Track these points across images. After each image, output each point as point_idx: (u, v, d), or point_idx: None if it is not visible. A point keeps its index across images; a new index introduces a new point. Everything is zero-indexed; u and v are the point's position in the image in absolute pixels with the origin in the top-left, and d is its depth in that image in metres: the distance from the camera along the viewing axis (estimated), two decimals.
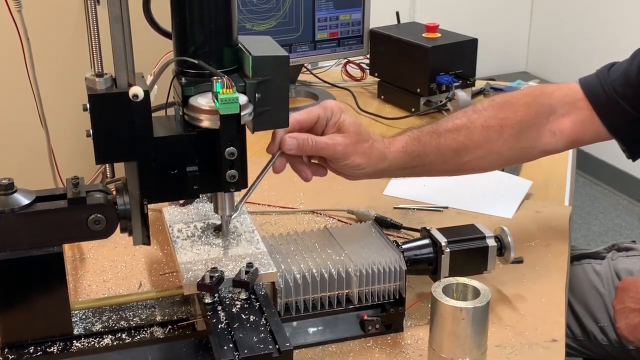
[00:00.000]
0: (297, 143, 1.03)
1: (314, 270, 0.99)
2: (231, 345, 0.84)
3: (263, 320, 0.88)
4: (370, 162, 1.09)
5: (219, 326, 0.87)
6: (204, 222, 1.07)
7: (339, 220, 1.35)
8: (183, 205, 1.12)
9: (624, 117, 1.22)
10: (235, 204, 1.01)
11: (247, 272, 0.92)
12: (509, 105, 1.21)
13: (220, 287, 0.92)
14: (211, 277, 0.91)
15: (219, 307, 0.91)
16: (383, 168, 1.12)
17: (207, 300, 0.92)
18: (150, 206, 0.94)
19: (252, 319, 0.88)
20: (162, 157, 0.91)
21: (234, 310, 0.90)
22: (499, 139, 1.19)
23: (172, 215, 1.09)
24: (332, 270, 0.99)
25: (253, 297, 0.93)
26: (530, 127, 1.21)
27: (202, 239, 1.02)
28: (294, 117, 1.04)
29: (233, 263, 0.96)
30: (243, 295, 0.92)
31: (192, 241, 1.02)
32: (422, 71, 1.84)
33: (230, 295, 0.93)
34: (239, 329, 0.86)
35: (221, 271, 0.92)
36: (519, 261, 1.09)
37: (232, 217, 1.03)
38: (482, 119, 1.19)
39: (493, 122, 1.19)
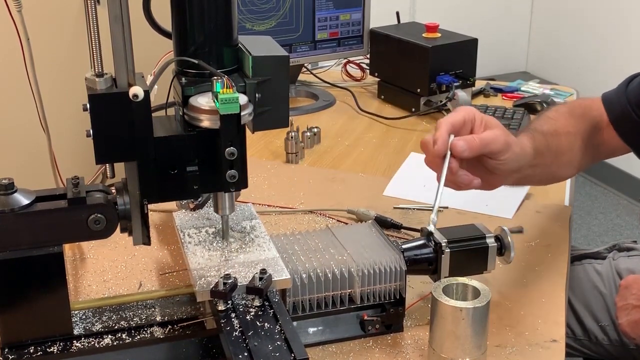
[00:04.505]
0: (467, 144, 1.01)
1: (319, 270, 0.99)
2: (246, 354, 0.82)
3: (278, 327, 0.87)
4: (522, 152, 1.08)
5: (234, 334, 0.86)
6: (215, 228, 1.05)
7: (338, 220, 1.35)
8: (194, 209, 1.12)
9: (638, 129, 1.25)
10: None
11: (260, 279, 0.91)
12: (572, 117, 1.24)
13: (233, 294, 0.91)
14: (224, 283, 0.90)
15: (233, 315, 0.89)
16: (523, 164, 1.10)
17: (221, 307, 0.90)
18: (150, 206, 0.94)
19: (266, 327, 0.87)
20: (162, 157, 0.90)
21: (247, 317, 0.89)
22: (576, 147, 1.22)
23: (183, 220, 1.09)
24: (336, 270, 0.99)
25: (267, 303, 0.91)
26: (586, 139, 1.24)
27: (214, 245, 1.01)
28: (447, 120, 1.03)
29: (246, 269, 0.95)
30: (257, 302, 0.91)
31: (203, 247, 1.01)
32: (422, 71, 1.84)
33: (243, 302, 0.92)
34: (254, 337, 0.85)
35: (234, 277, 0.91)
36: (519, 231, 1.08)
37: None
38: (563, 126, 1.21)
39: (571, 130, 1.21)
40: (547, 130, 1.18)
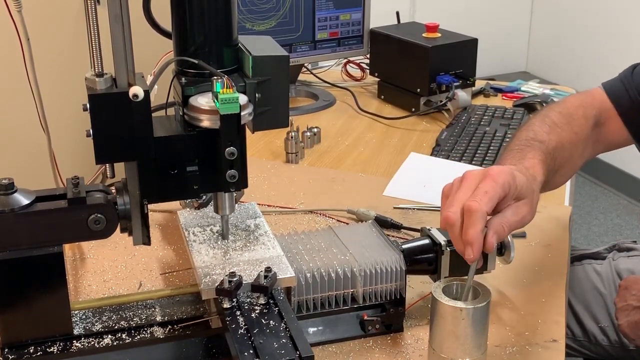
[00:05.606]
0: (498, 237, 0.94)
1: (322, 270, 0.99)
2: (251, 352, 0.82)
3: (283, 325, 0.87)
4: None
5: (239, 332, 0.86)
6: (219, 226, 1.05)
7: (338, 220, 1.34)
8: (198, 208, 1.12)
9: None
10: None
11: (265, 277, 0.91)
12: (574, 120, 1.23)
13: (238, 292, 0.91)
14: (230, 281, 0.90)
15: (238, 312, 0.90)
16: None
17: (226, 305, 0.91)
18: (150, 206, 0.94)
19: (271, 324, 0.87)
20: (162, 157, 0.90)
21: (253, 315, 0.89)
22: (575, 155, 1.21)
23: (187, 218, 1.09)
24: (339, 270, 0.99)
25: (272, 301, 0.92)
26: (587, 141, 1.24)
27: (219, 243, 1.02)
28: (483, 209, 0.91)
29: (251, 267, 0.95)
30: (262, 300, 0.91)
31: (208, 245, 1.01)
32: (422, 71, 1.84)
33: (248, 299, 0.92)
34: (259, 335, 0.85)
35: (239, 275, 0.91)
36: (521, 235, 1.07)
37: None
38: (567, 135, 1.19)
39: (574, 138, 1.20)
40: (555, 146, 1.15)
